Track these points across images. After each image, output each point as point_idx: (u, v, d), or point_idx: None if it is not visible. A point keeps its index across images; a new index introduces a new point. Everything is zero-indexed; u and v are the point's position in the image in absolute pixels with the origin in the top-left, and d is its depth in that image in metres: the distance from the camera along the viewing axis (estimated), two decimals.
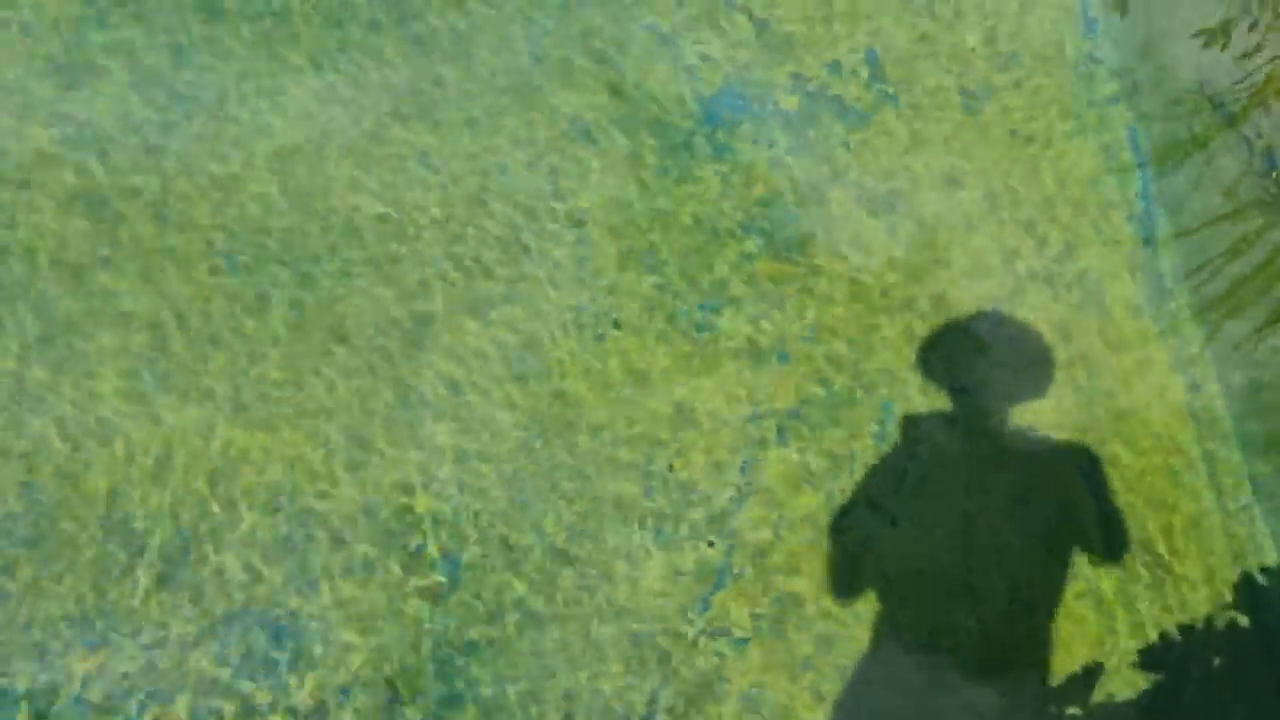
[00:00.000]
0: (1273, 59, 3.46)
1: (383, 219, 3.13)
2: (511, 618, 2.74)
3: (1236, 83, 3.46)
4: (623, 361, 3.02)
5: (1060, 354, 3.16)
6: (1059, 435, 3.06)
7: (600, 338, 3.05)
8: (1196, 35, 3.52)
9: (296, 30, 3.34)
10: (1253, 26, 3.49)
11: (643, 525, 2.86)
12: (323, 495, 2.79)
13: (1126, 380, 3.14)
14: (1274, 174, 3.34)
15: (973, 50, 3.57)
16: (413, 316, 3.02)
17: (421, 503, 2.81)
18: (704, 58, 3.46)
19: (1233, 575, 2.96)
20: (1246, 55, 3.47)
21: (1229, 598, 2.94)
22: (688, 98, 3.40)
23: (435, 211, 3.15)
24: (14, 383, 2.81)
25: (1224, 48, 3.41)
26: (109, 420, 2.80)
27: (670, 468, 2.92)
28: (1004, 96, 3.50)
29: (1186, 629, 2.93)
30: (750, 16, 3.55)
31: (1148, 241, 3.33)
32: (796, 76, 3.47)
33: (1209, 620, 2.93)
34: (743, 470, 2.95)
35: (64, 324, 2.89)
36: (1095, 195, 3.38)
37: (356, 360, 2.95)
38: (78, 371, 2.84)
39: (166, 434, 2.80)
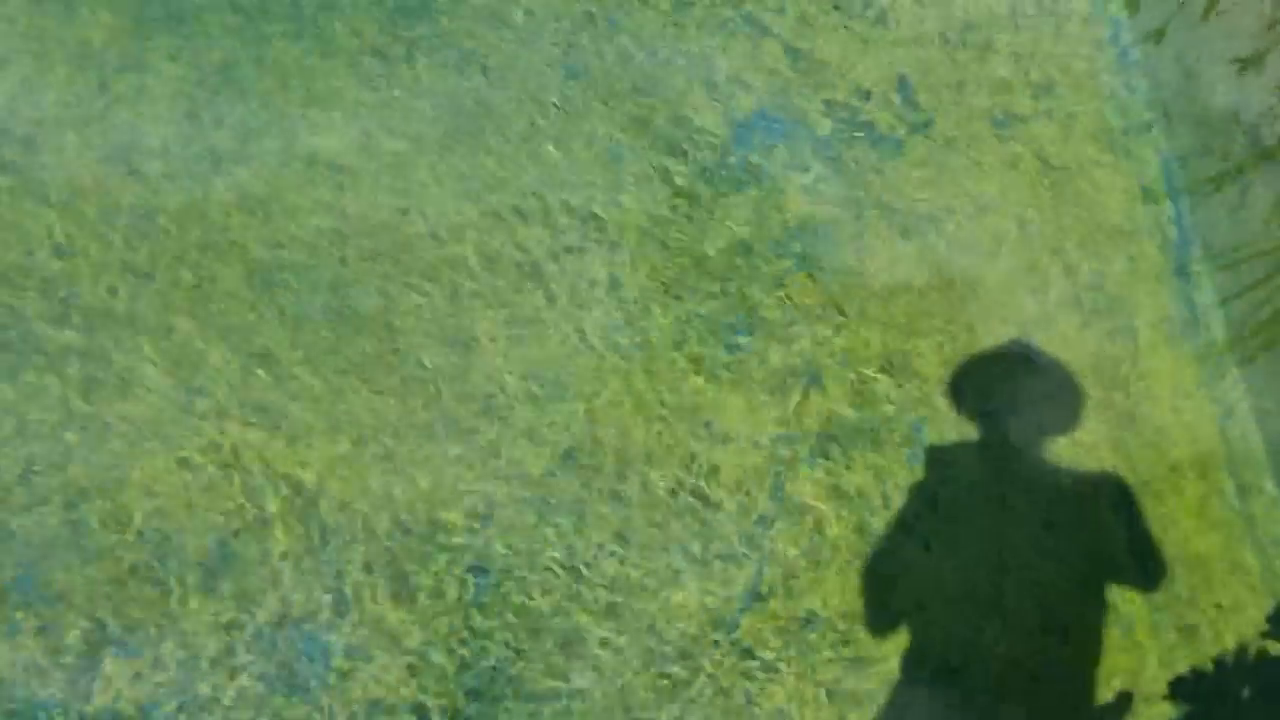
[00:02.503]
0: None
1: (421, 238, 3.16)
2: (541, 637, 2.76)
3: (1271, 115, 3.47)
4: (654, 382, 3.04)
5: (1091, 381, 3.16)
6: (1090, 462, 3.06)
7: (632, 359, 3.07)
8: (1231, 63, 3.54)
9: (340, 52, 3.40)
10: None
11: (672, 545, 2.87)
12: (356, 511, 2.81)
13: (1158, 408, 3.14)
14: None
15: (1005, 79, 3.59)
16: (447, 335, 3.05)
17: (452, 521, 2.83)
18: (738, 83, 3.50)
19: (1265, 605, 2.95)
20: None
21: (1261, 627, 2.93)
22: (721, 123, 3.43)
23: (472, 232, 3.18)
24: (55, 398, 2.85)
25: (1255, 80, 3.43)
26: (147, 434, 2.84)
27: (700, 489, 2.93)
28: (1036, 124, 3.52)
29: (1217, 659, 2.91)
30: (784, 44, 3.59)
31: (1181, 270, 3.33)
32: (829, 103, 3.50)
33: (1240, 650, 2.92)
34: (773, 492, 2.96)
35: (106, 341, 2.93)
36: (1128, 223, 3.39)
37: (392, 377, 2.98)
38: (117, 385, 2.88)
39: (203, 447, 2.84)
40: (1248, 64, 3.54)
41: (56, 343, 2.90)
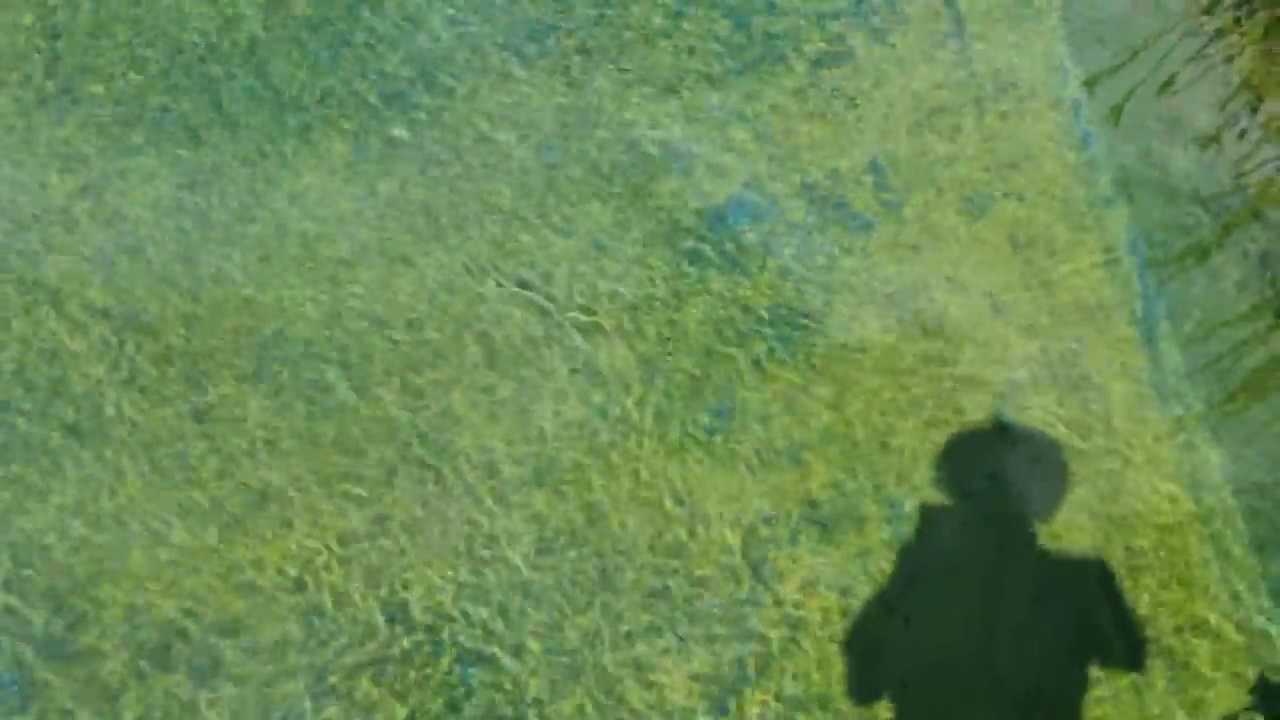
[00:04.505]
0: (1263, 164, 3.58)
1: (405, 323, 3.23)
2: None
3: (1231, 190, 3.57)
4: (636, 466, 3.08)
5: (1067, 454, 3.20)
6: (1070, 535, 3.09)
7: (613, 443, 3.11)
8: (1189, 140, 3.64)
9: (325, 143, 3.49)
10: (1242, 135, 3.61)
11: (657, 628, 2.88)
12: (339, 598, 2.83)
13: (1135, 480, 3.17)
14: (1267, 277, 3.43)
15: (973, 158, 3.68)
16: (429, 421, 3.10)
17: (437, 606, 2.85)
18: (712, 168, 3.59)
19: (1249, 674, 2.95)
20: (1238, 162, 3.59)
21: (1245, 698, 2.93)
22: (697, 207, 3.52)
23: (455, 317, 3.25)
24: (38, 493, 2.89)
25: (1213, 158, 3.52)
26: (135, 526, 2.87)
27: (684, 570, 2.96)
28: (1004, 203, 3.61)
29: None
30: (757, 130, 3.69)
31: (1150, 342, 3.39)
32: (802, 185, 3.59)
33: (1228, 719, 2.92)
34: (756, 572, 2.98)
35: (93, 436, 2.98)
36: (1096, 298, 3.45)
37: (376, 466, 3.02)
38: (106, 479, 2.92)
39: (190, 540, 2.87)
40: (1204, 141, 3.64)
41: (44, 440, 2.95)
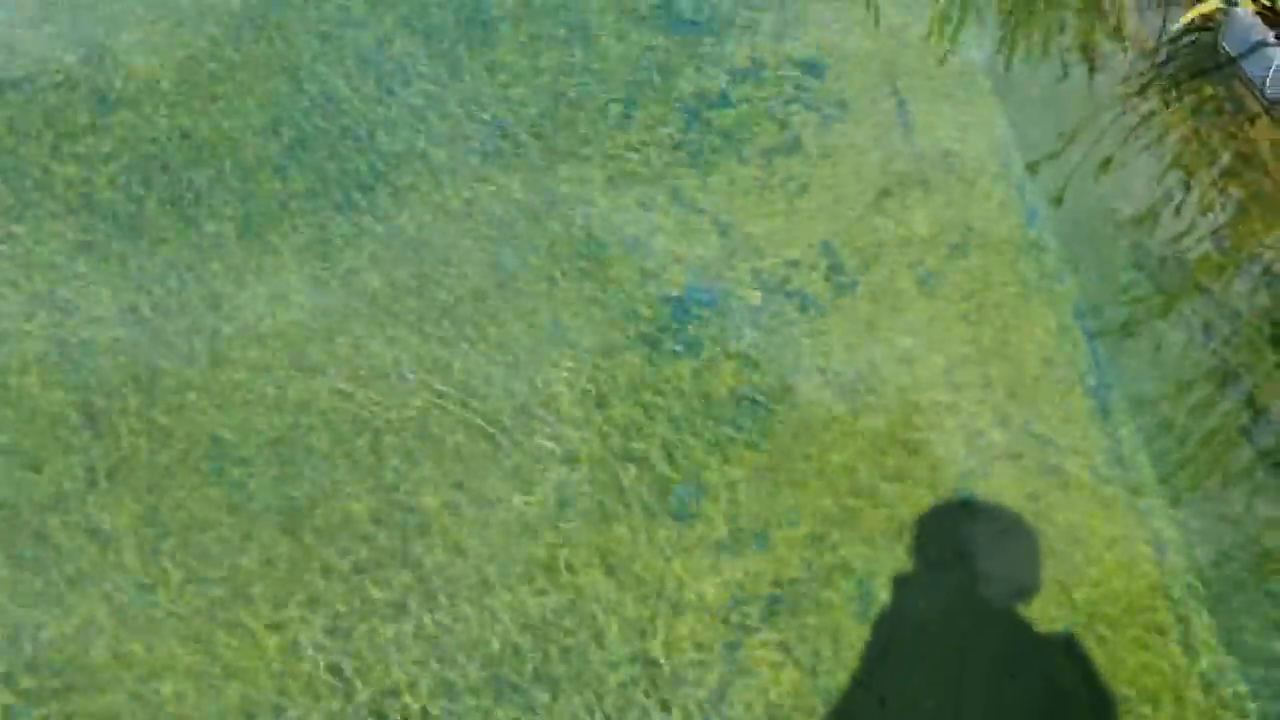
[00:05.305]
0: (1198, 239, 3.72)
1: (371, 422, 3.26)
2: None
3: (1170, 264, 3.70)
4: (603, 553, 3.10)
5: (1029, 526, 3.24)
6: (1037, 606, 3.12)
7: (580, 532, 3.14)
8: (1128, 218, 3.78)
9: (276, 242, 3.56)
10: (1177, 211, 3.76)
11: (632, 714, 2.88)
12: (312, 698, 2.82)
13: (1096, 550, 3.22)
14: (1210, 346, 3.54)
15: (924, 239, 3.79)
16: (395, 515, 3.11)
17: (407, 699, 2.84)
18: (669, 258, 3.68)
19: None
20: (1175, 238, 3.73)
21: None
22: (655, 298, 3.60)
23: (414, 411, 3.29)
24: (5, 597, 2.88)
25: (1152, 233, 3.66)
26: (93, 627, 2.86)
27: (657, 655, 2.96)
28: (956, 281, 3.70)
29: None
30: (712, 219, 3.79)
31: (1104, 412, 3.47)
32: (759, 271, 3.68)
33: None
34: (727, 656, 2.98)
35: (52, 532, 2.98)
36: (1049, 371, 3.53)
37: (341, 562, 3.03)
38: (61, 583, 2.91)
39: (148, 642, 2.85)
40: (1142, 217, 3.78)
41: (8, 541, 2.95)
